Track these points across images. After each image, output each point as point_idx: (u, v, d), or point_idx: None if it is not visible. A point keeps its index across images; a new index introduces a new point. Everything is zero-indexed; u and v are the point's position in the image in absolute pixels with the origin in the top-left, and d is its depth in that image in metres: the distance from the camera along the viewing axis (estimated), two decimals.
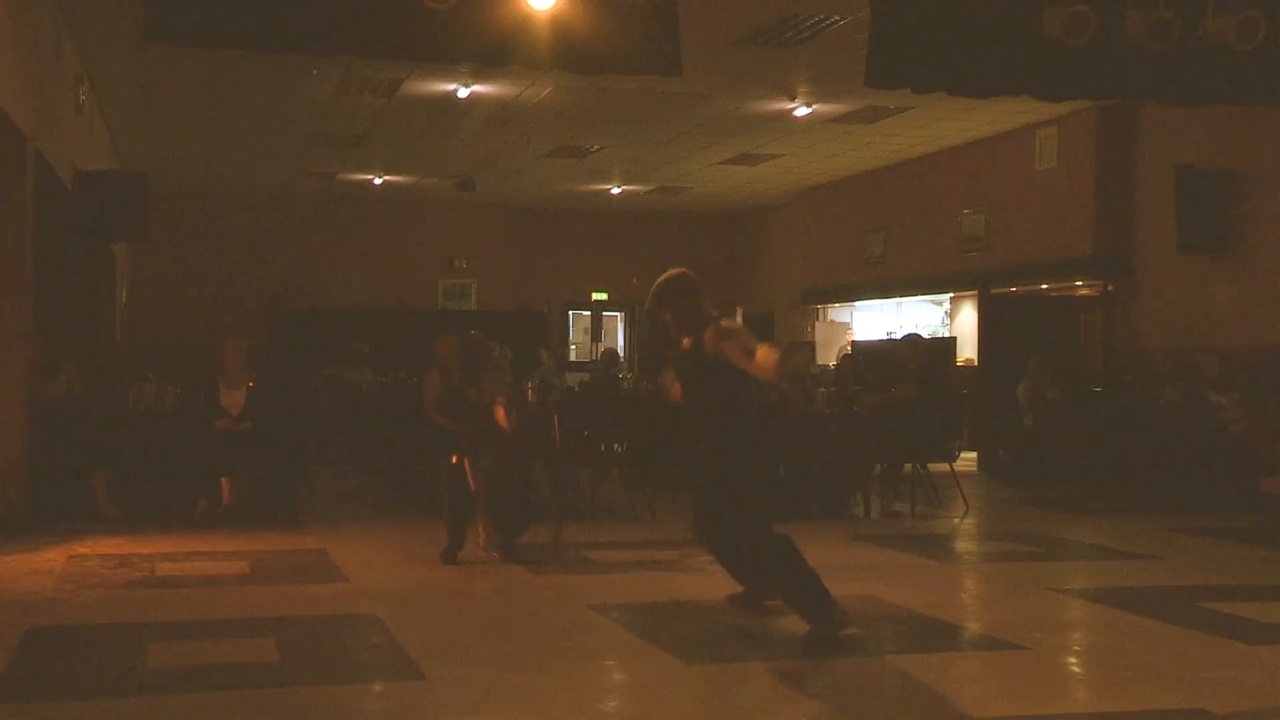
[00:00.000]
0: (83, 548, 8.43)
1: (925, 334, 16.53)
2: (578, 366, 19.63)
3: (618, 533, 9.61)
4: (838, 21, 11.08)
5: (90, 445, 9.67)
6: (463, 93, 13.72)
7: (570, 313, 23.45)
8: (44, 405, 9.66)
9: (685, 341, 6.16)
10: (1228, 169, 13.17)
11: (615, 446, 11.88)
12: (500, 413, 8.29)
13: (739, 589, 6.40)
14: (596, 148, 17.27)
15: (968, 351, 16.81)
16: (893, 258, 18.83)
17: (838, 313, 20.85)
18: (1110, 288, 14.84)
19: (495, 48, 8.01)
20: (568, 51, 8.07)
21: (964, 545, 9.76)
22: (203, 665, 5.48)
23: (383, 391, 14.14)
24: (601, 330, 22.95)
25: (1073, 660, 5.94)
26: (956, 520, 10.57)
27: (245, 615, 6.43)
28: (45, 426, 9.61)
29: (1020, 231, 16.00)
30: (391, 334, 17.83)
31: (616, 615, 6.51)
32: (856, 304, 20.33)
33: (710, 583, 7.55)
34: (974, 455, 13.95)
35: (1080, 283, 15.39)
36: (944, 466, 11.20)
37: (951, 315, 18.27)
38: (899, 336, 16.91)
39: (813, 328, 20.92)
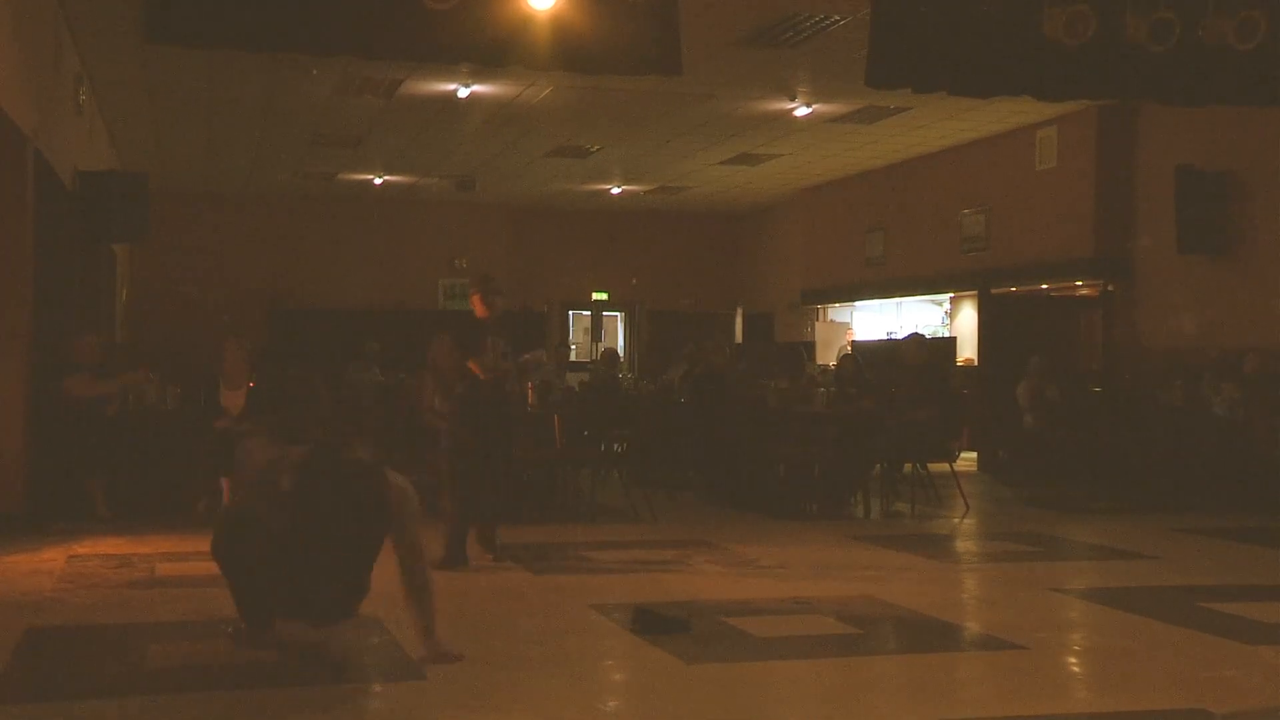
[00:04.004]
0: (83, 548, 8.44)
1: (926, 334, 16.53)
2: (578, 366, 19.60)
3: (618, 533, 9.60)
4: (838, 21, 11.07)
5: (88, 447, 9.68)
6: (463, 93, 13.72)
7: (570, 313, 23.43)
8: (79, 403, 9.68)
9: None
10: (1228, 169, 13.17)
11: (615, 446, 11.90)
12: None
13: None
14: (596, 148, 17.27)
15: (968, 351, 16.81)
16: (893, 258, 18.83)
17: (838, 313, 20.84)
18: (1110, 288, 14.84)
19: (495, 48, 8.01)
20: (568, 51, 8.06)
21: (964, 545, 9.76)
22: (203, 665, 5.48)
23: (383, 392, 14.12)
24: (601, 330, 22.94)
25: (1073, 660, 5.94)
26: (956, 520, 10.57)
27: None
28: (47, 427, 9.63)
29: (1020, 231, 16.00)
30: (391, 334, 17.81)
31: (616, 615, 6.51)
32: (856, 304, 20.32)
33: (710, 583, 7.56)
34: (974, 455, 13.96)
35: (1080, 283, 15.39)
36: (944, 466, 11.20)
37: (951, 315, 18.27)
38: (900, 336, 16.91)
39: (812, 328, 20.92)
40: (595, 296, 23.33)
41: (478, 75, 12.98)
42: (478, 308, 8.40)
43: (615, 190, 20.76)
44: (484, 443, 8.16)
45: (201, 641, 5.90)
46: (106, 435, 9.81)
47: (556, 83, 13.17)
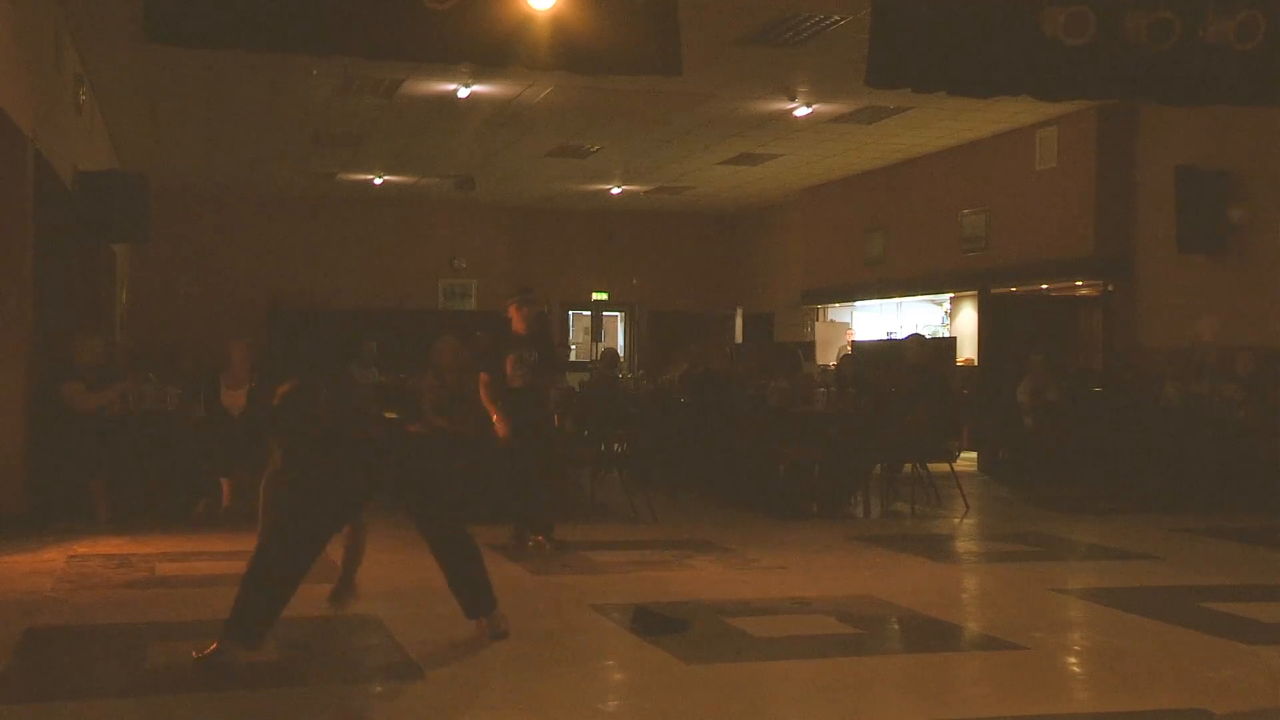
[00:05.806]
0: (83, 548, 8.44)
1: (926, 334, 16.54)
2: (578, 366, 19.60)
3: (618, 533, 9.61)
4: (838, 21, 11.07)
5: (88, 448, 9.68)
6: (463, 93, 13.72)
7: (570, 313, 23.44)
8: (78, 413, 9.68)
9: None
10: (1228, 169, 13.16)
11: (615, 446, 11.89)
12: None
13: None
14: (596, 148, 17.27)
15: (968, 351, 16.80)
16: (893, 258, 18.83)
17: (838, 313, 20.84)
18: (1110, 288, 14.84)
19: (495, 48, 8.01)
20: (568, 51, 8.07)
21: (964, 545, 9.76)
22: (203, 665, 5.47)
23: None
24: (601, 330, 22.95)
25: (1073, 660, 5.94)
26: (956, 520, 10.57)
27: None
28: (47, 427, 9.63)
29: (1020, 231, 16.00)
30: (391, 334, 17.80)
31: (616, 615, 6.51)
32: (856, 304, 20.32)
33: (710, 583, 7.56)
34: (974, 455, 13.95)
35: (1080, 283, 15.39)
36: (944, 466, 11.20)
37: (951, 315, 18.26)
38: (900, 336, 16.91)
39: (812, 328, 20.91)
40: (595, 296, 23.34)
41: (478, 75, 12.98)
42: (515, 321, 8.75)
43: (615, 190, 20.75)
44: (521, 448, 8.56)
45: (201, 641, 5.90)
46: (106, 436, 9.81)
47: (556, 83, 13.17)
